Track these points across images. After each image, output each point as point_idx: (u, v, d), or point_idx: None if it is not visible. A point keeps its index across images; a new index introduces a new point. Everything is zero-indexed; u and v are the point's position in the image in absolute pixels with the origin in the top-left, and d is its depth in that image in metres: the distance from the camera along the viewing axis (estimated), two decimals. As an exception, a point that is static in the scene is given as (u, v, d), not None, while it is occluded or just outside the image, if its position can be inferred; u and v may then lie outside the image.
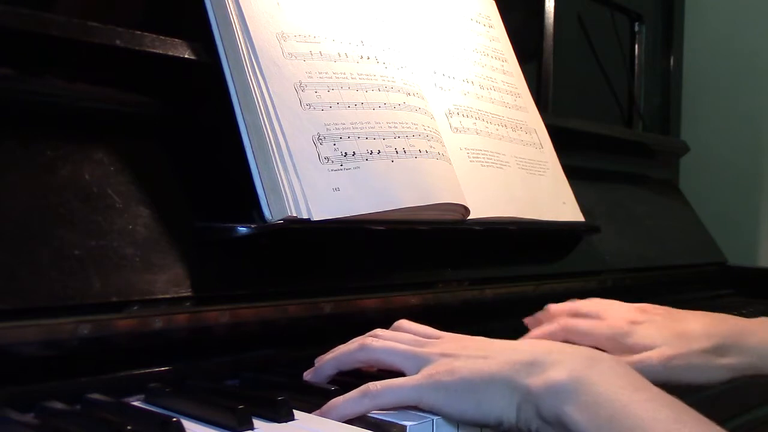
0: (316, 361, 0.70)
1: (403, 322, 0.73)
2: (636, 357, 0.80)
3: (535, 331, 0.86)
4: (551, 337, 0.84)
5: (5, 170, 0.64)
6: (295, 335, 0.79)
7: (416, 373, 0.63)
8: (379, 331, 0.70)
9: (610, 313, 0.86)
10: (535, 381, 0.57)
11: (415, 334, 0.70)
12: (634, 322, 0.84)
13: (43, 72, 0.70)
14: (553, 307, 0.90)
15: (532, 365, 0.59)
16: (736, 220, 1.78)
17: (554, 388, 0.56)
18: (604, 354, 0.63)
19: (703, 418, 0.55)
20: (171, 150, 0.76)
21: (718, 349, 0.81)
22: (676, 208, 1.54)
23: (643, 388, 0.57)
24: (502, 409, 0.58)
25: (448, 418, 0.60)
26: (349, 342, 0.70)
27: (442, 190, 0.85)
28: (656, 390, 0.57)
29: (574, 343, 0.79)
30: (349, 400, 0.61)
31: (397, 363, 0.65)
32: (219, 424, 0.57)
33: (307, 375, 0.69)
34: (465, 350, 0.63)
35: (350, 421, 0.60)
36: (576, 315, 0.87)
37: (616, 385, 0.56)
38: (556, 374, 0.57)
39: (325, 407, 0.62)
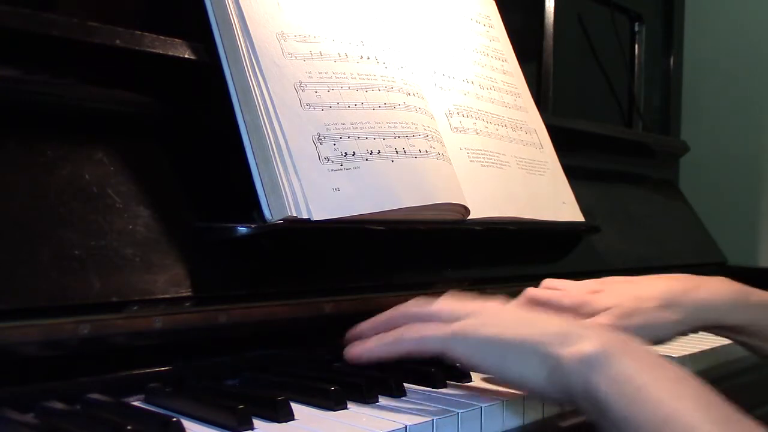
0: (353, 334, 0.72)
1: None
2: (589, 320, 0.82)
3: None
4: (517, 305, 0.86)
5: (5, 170, 0.64)
6: (295, 335, 0.79)
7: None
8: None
9: (573, 286, 0.90)
10: (568, 351, 0.59)
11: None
12: (594, 292, 0.87)
13: (43, 72, 0.70)
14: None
15: (566, 336, 0.60)
16: (736, 220, 1.78)
17: (585, 359, 0.58)
18: (636, 338, 0.64)
19: (724, 403, 0.55)
20: (171, 150, 0.76)
21: (666, 306, 0.84)
22: (676, 208, 1.54)
23: (669, 369, 0.58)
24: (529, 371, 0.61)
25: (471, 370, 0.64)
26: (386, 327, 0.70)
27: (442, 190, 0.85)
28: (681, 372, 0.58)
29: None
30: (382, 344, 0.67)
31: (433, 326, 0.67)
32: (219, 424, 0.58)
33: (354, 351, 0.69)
34: (498, 312, 0.67)
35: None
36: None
37: (643, 363, 0.57)
38: (588, 346, 0.58)
39: (358, 345, 0.68)
